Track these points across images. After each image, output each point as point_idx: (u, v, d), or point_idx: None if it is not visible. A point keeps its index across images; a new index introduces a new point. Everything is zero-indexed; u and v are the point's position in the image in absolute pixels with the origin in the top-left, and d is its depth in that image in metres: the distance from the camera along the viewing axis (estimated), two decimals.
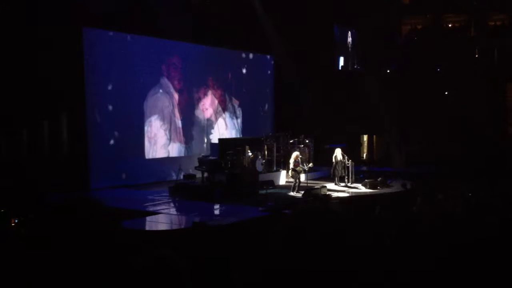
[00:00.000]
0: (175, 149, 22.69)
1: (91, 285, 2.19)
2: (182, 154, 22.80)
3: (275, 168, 22.15)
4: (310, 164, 20.86)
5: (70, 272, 2.28)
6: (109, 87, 19.96)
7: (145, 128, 21.46)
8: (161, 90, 22.05)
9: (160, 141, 22.04)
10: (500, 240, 5.97)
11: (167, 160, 22.01)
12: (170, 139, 22.51)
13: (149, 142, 21.62)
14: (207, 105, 24.37)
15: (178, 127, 22.87)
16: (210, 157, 20.74)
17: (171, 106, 22.56)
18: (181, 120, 22.97)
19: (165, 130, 22.28)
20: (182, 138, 23.04)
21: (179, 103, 22.87)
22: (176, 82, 22.77)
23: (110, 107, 20.00)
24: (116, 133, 20.19)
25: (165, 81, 22.29)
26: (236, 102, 26.14)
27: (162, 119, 22.12)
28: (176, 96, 22.74)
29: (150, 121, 21.63)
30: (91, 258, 2.22)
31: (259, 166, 20.60)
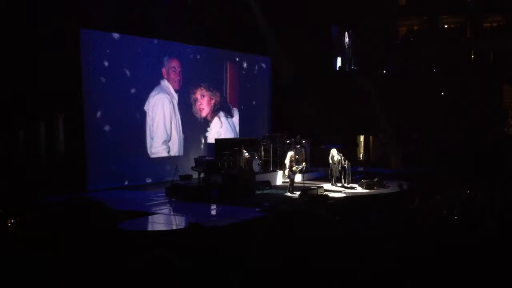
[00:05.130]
0: (171, 150, 22.65)
1: (89, 285, 2.17)
2: (179, 155, 22.76)
3: (271, 169, 22.14)
4: (304, 164, 20.87)
5: (67, 272, 2.26)
6: (107, 88, 19.90)
7: (143, 128, 21.43)
8: (160, 92, 22.02)
9: (157, 142, 22.01)
10: (499, 241, 5.96)
11: (164, 161, 21.96)
12: (167, 140, 22.48)
13: (147, 143, 21.58)
14: (204, 106, 24.36)
15: (175, 128, 22.84)
16: (207, 158, 20.72)
17: (171, 107, 22.53)
18: (179, 120, 22.96)
19: (162, 131, 22.25)
20: (179, 138, 23.02)
21: (177, 104, 22.85)
22: (175, 84, 22.77)
23: (108, 109, 19.93)
24: (113, 134, 20.12)
25: (165, 83, 22.28)
26: (233, 103, 26.12)
27: (161, 120, 22.09)
28: (175, 97, 22.73)
29: (148, 122, 21.60)
30: (88, 259, 2.20)
31: (255, 166, 20.60)
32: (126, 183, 20.20)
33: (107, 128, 19.90)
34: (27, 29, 16.89)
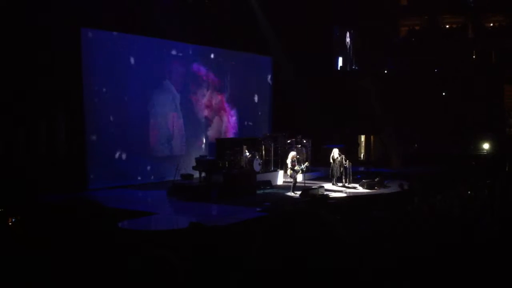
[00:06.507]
0: (172, 149, 22.63)
1: (89, 285, 2.17)
2: (181, 154, 22.73)
3: (272, 168, 22.14)
4: (306, 163, 20.87)
5: (67, 272, 2.26)
6: (107, 87, 19.90)
7: (146, 128, 21.42)
8: (162, 91, 22.00)
9: (158, 141, 21.99)
10: (499, 241, 5.96)
11: (165, 160, 21.95)
12: (169, 139, 22.47)
13: (148, 142, 21.57)
14: (206, 105, 24.33)
15: (176, 127, 22.84)
16: (208, 157, 20.73)
17: (173, 106, 22.51)
18: (180, 120, 22.95)
19: (165, 130, 22.24)
20: (181, 138, 23.01)
21: (177, 104, 22.83)
22: (177, 84, 22.76)
23: (108, 107, 19.94)
24: (114, 134, 20.13)
25: (167, 82, 22.27)
26: (234, 102, 26.10)
27: (163, 119, 22.08)
28: (177, 96, 22.72)
29: (151, 121, 21.59)
30: (88, 258, 2.20)
31: (256, 166, 20.60)
32: (126, 181, 20.19)
33: (107, 127, 19.90)
34: (27, 29, 16.89)
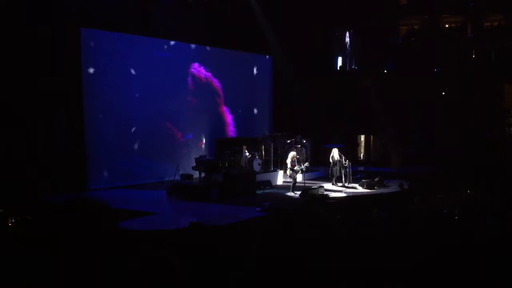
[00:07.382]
0: (172, 149, 22.60)
1: (89, 285, 2.17)
2: (180, 154, 22.71)
3: (272, 168, 22.14)
4: (307, 164, 20.89)
5: (68, 272, 2.26)
6: (107, 87, 19.90)
7: (144, 128, 21.40)
8: (161, 91, 21.97)
9: (158, 140, 21.97)
10: (499, 241, 5.96)
11: (165, 160, 21.94)
12: (168, 139, 22.44)
13: (148, 142, 21.55)
14: (205, 105, 24.30)
15: (176, 127, 22.82)
16: (207, 157, 20.73)
17: (171, 106, 22.47)
18: (180, 119, 22.93)
19: (163, 130, 22.22)
20: (179, 137, 22.99)
21: (177, 103, 22.80)
22: (176, 83, 22.72)
23: (108, 108, 19.93)
24: (114, 133, 20.13)
25: (166, 82, 22.21)
26: (233, 102, 26.07)
27: (162, 119, 22.06)
28: (175, 96, 22.68)
29: (149, 121, 21.56)
30: (89, 258, 2.20)
31: (256, 166, 20.60)
32: (127, 182, 20.18)
33: (108, 127, 19.90)
34: (27, 29, 16.89)
